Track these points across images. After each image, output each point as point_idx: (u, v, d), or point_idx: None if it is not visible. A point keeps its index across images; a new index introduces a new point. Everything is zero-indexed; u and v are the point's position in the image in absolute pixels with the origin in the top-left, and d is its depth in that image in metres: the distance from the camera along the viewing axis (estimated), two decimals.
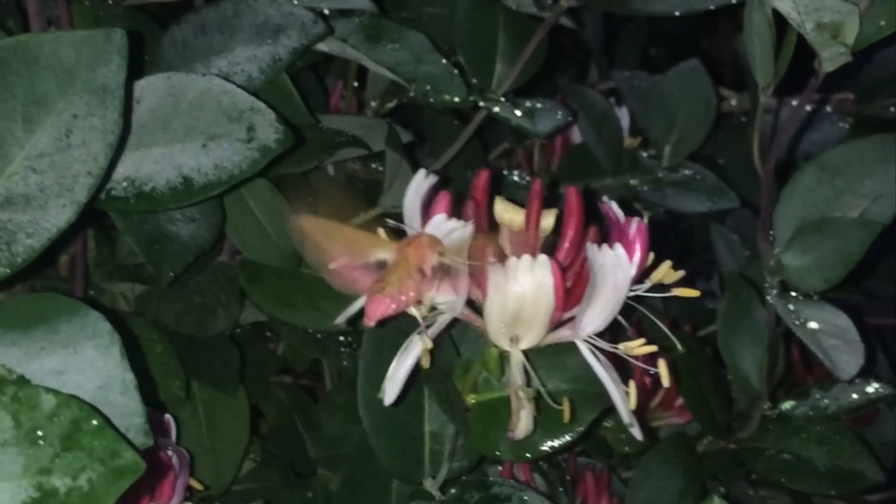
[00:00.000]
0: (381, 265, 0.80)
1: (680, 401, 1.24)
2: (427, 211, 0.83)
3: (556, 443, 0.91)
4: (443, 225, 0.80)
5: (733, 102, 1.66)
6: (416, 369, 0.83)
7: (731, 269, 1.39)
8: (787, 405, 1.15)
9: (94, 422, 0.61)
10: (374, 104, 1.35)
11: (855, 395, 1.14)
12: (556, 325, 0.82)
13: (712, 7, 1.16)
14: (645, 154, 1.47)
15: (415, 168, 1.16)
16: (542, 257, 0.77)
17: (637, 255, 0.80)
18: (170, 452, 0.98)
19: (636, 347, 0.82)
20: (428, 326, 0.82)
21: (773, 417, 1.15)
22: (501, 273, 0.77)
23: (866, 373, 1.04)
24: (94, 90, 0.75)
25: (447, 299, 0.82)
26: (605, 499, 1.19)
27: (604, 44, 1.74)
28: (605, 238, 0.81)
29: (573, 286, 0.82)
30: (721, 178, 1.47)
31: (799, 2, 0.85)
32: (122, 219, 0.99)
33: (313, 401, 1.35)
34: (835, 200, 1.02)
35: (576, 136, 1.53)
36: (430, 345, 0.81)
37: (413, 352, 0.82)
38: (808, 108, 1.49)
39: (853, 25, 0.87)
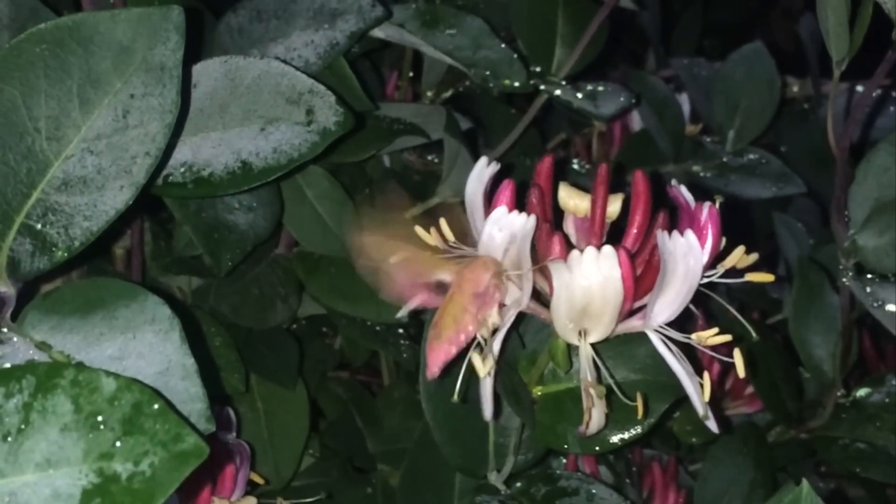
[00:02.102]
0: (440, 286, 0.78)
1: (749, 389, 1.21)
2: (489, 200, 0.80)
3: (627, 435, 0.88)
4: (503, 219, 0.75)
5: (795, 89, 1.63)
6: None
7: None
8: (861, 392, 1.12)
9: (156, 405, 0.59)
10: (429, 94, 1.34)
11: None
12: (626, 315, 0.79)
13: None
14: (708, 139, 1.44)
15: (474, 156, 1.15)
16: (608, 248, 0.73)
17: (709, 242, 0.77)
18: (231, 445, 0.97)
19: (710, 337, 0.78)
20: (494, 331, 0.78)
21: (847, 405, 1.12)
22: (566, 267, 0.74)
23: None
24: (151, 69, 0.74)
25: (512, 296, 0.78)
26: (673, 490, 1.17)
27: (661, 32, 1.72)
28: (674, 224, 0.78)
29: (643, 275, 0.78)
30: None
31: None
32: (180, 207, 0.97)
33: (371, 396, 1.33)
34: None
35: (634, 124, 1.51)
36: (492, 364, 0.77)
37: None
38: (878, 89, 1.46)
39: None
